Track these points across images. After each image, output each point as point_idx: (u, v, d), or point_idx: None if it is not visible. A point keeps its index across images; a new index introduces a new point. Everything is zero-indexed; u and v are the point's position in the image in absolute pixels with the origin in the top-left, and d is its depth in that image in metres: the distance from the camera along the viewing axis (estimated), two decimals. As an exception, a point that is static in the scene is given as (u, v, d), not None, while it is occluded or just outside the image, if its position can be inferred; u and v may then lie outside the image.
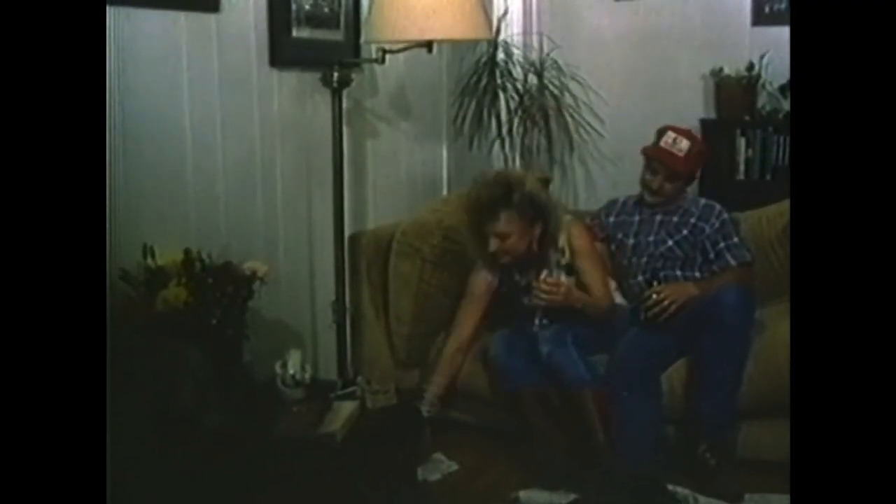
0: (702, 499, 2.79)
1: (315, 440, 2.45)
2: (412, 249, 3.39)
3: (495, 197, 3.03)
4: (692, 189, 3.62)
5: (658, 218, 3.39)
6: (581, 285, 3.13)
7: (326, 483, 2.40)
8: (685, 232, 3.34)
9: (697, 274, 3.30)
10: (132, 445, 2.27)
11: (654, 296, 3.14)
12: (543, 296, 3.01)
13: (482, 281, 3.26)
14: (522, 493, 2.85)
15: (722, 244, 3.32)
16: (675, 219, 3.37)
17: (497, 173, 3.34)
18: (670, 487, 2.80)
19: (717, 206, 3.40)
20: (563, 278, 3.08)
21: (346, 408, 2.60)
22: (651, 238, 3.36)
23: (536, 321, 3.11)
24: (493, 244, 3.05)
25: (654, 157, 3.33)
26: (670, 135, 3.33)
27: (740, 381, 2.95)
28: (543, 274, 3.03)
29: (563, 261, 3.11)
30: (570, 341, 3.02)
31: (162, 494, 2.34)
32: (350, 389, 2.75)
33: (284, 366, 2.68)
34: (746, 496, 2.82)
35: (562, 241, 3.15)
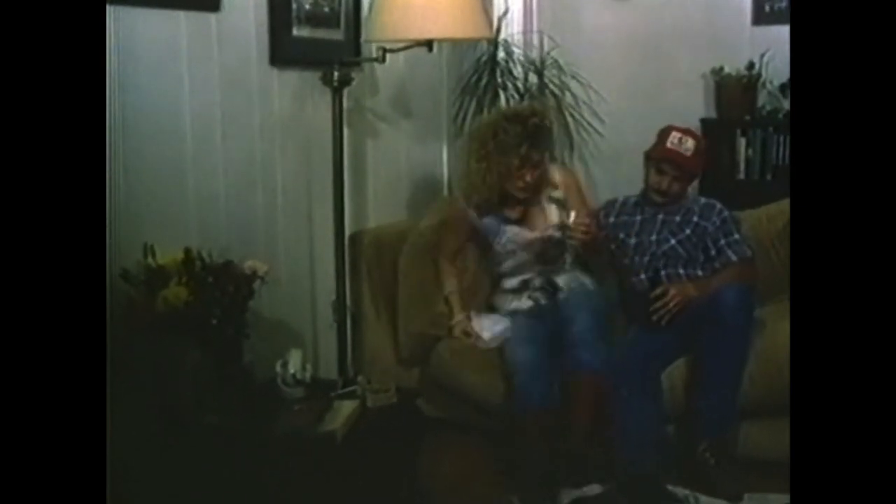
0: (702, 498, 2.79)
1: (315, 439, 2.45)
2: (428, 249, 3.42)
3: (526, 131, 3.14)
4: (692, 188, 3.62)
5: (660, 217, 3.39)
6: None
7: (326, 482, 2.40)
8: (688, 231, 3.34)
9: (700, 272, 3.30)
10: (132, 445, 2.27)
11: (659, 300, 3.14)
12: (580, 236, 3.09)
13: (461, 210, 3.38)
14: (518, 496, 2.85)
15: (723, 241, 3.33)
16: (678, 218, 3.37)
17: (513, 110, 3.51)
18: (670, 487, 2.80)
19: (718, 205, 3.41)
20: (555, 211, 3.20)
21: (347, 407, 2.60)
22: (653, 237, 3.37)
23: (567, 258, 3.22)
24: (530, 175, 3.17)
25: (663, 158, 3.32)
26: (675, 135, 3.33)
27: (740, 381, 2.95)
28: (573, 215, 3.11)
29: (557, 195, 3.21)
30: (600, 327, 3.07)
31: (162, 494, 2.35)
32: (350, 388, 2.74)
33: (285, 365, 2.68)
34: (746, 496, 2.82)
35: (556, 178, 3.28)
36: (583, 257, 3.24)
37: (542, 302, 3.25)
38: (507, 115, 3.27)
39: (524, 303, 3.30)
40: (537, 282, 3.30)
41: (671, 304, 3.13)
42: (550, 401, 2.98)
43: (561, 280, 3.26)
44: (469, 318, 3.36)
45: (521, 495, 2.83)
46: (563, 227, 3.18)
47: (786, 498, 1.74)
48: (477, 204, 3.31)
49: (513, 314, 3.30)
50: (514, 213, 3.33)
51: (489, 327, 3.30)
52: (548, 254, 3.27)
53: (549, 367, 3.04)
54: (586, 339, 3.03)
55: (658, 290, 3.17)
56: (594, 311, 3.16)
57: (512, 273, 3.36)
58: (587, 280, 3.32)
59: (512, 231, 3.32)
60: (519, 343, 3.15)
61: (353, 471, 2.47)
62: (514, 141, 3.14)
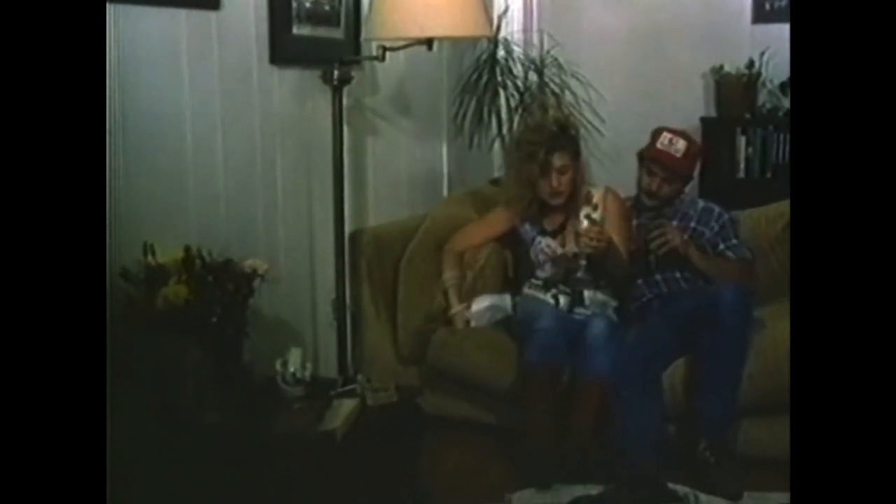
0: (702, 497, 2.80)
1: (315, 438, 2.45)
2: (435, 247, 3.44)
3: (550, 137, 3.24)
4: (691, 189, 3.62)
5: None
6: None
7: (326, 481, 2.40)
8: (684, 237, 3.33)
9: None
10: (132, 443, 2.27)
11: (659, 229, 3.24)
12: (591, 243, 3.07)
13: (503, 214, 3.48)
14: (516, 495, 2.85)
15: (722, 245, 3.33)
16: (674, 223, 3.36)
17: (542, 118, 3.55)
18: (671, 485, 2.80)
19: (717, 209, 3.40)
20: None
21: (347, 405, 2.60)
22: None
23: (581, 267, 3.22)
24: (556, 181, 3.24)
25: (652, 158, 3.32)
26: (666, 136, 3.33)
27: (740, 380, 2.95)
28: (584, 224, 3.09)
29: (595, 215, 3.17)
30: (615, 338, 3.08)
31: (162, 492, 2.35)
32: (350, 387, 2.74)
33: (285, 364, 2.68)
34: (746, 494, 2.82)
35: (597, 198, 3.23)
36: (595, 266, 3.24)
37: (565, 307, 3.26)
38: (530, 126, 3.48)
39: (547, 297, 3.31)
40: (564, 287, 3.30)
41: (669, 236, 3.21)
42: (560, 357, 3.03)
43: (587, 296, 3.28)
44: (467, 308, 3.38)
45: (520, 493, 2.84)
46: (575, 234, 3.18)
47: (786, 496, 1.74)
48: (520, 212, 3.39)
49: (531, 298, 3.34)
50: (550, 225, 3.38)
51: (476, 304, 3.38)
52: (575, 270, 3.29)
53: (565, 340, 3.07)
54: (600, 346, 3.04)
55: (661, 226, 3.26)
56: (612, 321, 3.20)
57: (540, 280, 3.37)
58: (606, 296, 3.33)
59: (545, 242, 3.35)
60: (535, 308, 3.22)
61: (353, 470, 2.47)
62: (534, 148, 3.23)
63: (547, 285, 3.33)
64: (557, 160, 3.22)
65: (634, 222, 3.42)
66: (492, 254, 3.52)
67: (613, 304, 3.33)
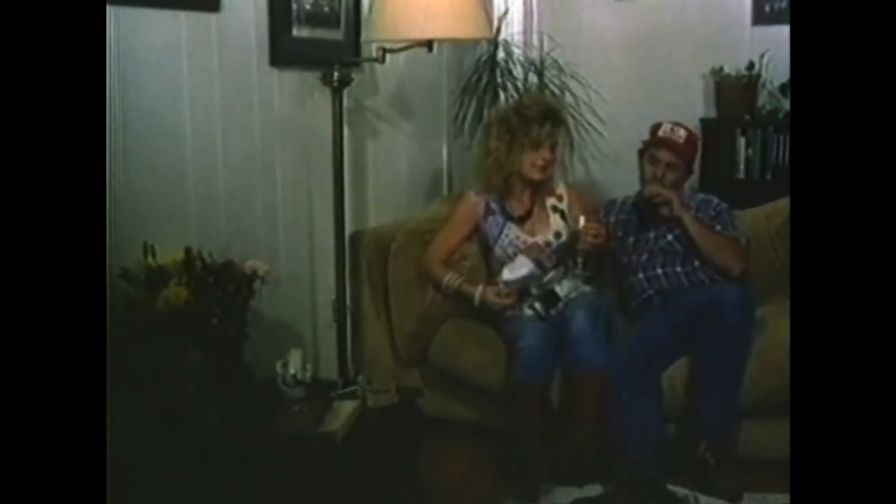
0: (702, 498, 2.80)
1: (316, 439, 2.45)
2: (418, 248, 3.41)
3: (547, 112, 3.30)
4: (691, 185, 3.63)
5: None
6: None
7: (327, 482, 2.40)
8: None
9: (697, 265, 3.28)
10: (132, 443, 2.27)
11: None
12: (591, 240, 3.14)
13: (470, 205, 3.45)
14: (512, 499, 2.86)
15: (718, 227, 3.33)
16: (675, 213, 3.37)
17: (538, 96, 3.67)
18: (670, 487, 2.80)
19: (715, 199, 3.43)
20: (558, 221, 3.30)
21: (347, 407, 2.60)
22: (651, 234, 3.37)
23: (580, 262, 3.22)
24: (547, 154, 3.28)
25: (657, 144, 3.33)
26: (666, 125, 3.38)
27: (741, 380, 2.95)
28: (582, 220, 3.16)
29: (560, 206, 3.29)
30: (599, 324, 3.08)
31: (162, 493, 2.35)
32: (351, 388, 2.74)
33: (285, 365, 2.68)
34: (746, 495, 2.82)
35: (560, 190, 3.35)
36: (591, 262, 3.23)
37: (543, 313, 3.22)
38: (526, 102, 3.47)
39: (525, 312, 3.26)
40: (536, 292, 3.26)
41: (662, 189, 3.26)
42: (549, 379, 3.03)
43: (560, 289, 3.24)
44: (485, 286, 3.30)
45: (520, 495, 2.84)
46: (573, 233, 3.19)
47: (786, 497, 1.74)
48: (495, 186, 3.36)
49: (514, 318, 3.28)
50: (518, 209, 3.36)
51: (510, 271, 3.26)
52: (545, 262, 3.24)
53: (551, 352, 3.05)
54: (586, 336, 3.02)
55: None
56: (592, 308, 3.15)
57: (511, 283, 3.29)
58: (586, 287, 3.30)
59: (514, 232, 3.32)
60: (522, 326, 3.16)
61: (353, 471, 2.47)
62: (537, 118, 3.26)
63: (521, 297, 3.25)
64: (556, 133, 3.30)
65: (636, 215, 3.43)
66: (478, 260, 3.48)
67: (586, 288, 3.28)
